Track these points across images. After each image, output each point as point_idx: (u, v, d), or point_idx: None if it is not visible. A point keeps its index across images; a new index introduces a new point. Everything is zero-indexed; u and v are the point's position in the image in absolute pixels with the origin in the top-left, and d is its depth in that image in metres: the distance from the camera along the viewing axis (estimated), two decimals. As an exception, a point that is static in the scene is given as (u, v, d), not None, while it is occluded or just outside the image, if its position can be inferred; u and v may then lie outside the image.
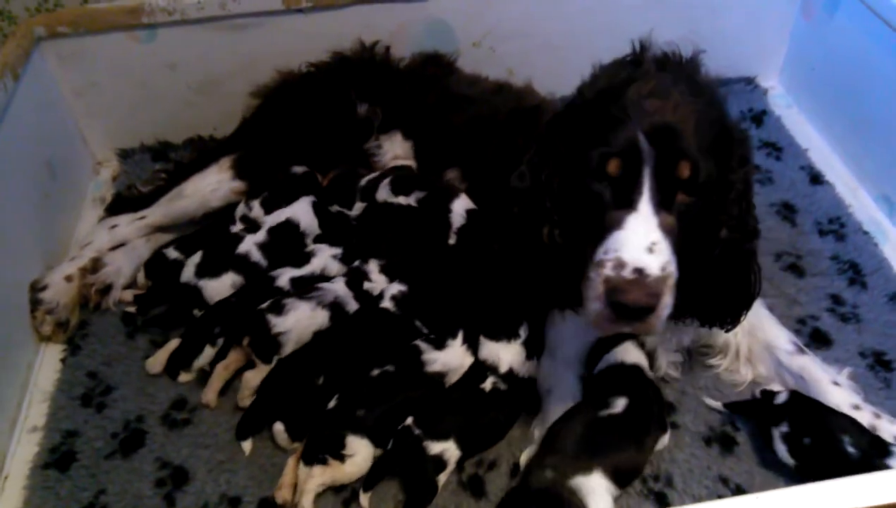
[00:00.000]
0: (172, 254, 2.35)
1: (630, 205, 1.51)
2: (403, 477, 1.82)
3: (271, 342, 2.00)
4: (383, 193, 2.37)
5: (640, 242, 1.48)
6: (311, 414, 1.88)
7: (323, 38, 2.65)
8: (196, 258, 2.25)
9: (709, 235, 1.67)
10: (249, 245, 2.27)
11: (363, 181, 2.44)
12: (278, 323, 2.00)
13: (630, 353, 1.91)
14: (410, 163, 2.55)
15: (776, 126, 2.97)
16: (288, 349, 2.01)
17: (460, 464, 1.85)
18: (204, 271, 2.21)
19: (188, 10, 2.66)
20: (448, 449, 1.78)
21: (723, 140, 1.62)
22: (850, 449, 1.69)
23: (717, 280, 1.72)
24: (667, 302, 1.49)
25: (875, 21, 2.54)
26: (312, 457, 1.79)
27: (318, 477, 1.75)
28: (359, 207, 2.42)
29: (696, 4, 2.90)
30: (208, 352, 2.07)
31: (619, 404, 1.78)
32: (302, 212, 2.36)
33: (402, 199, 2.34)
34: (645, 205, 1.51)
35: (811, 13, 2.94)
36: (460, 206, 2.24)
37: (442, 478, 1.79)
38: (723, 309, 1.81)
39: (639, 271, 1.45)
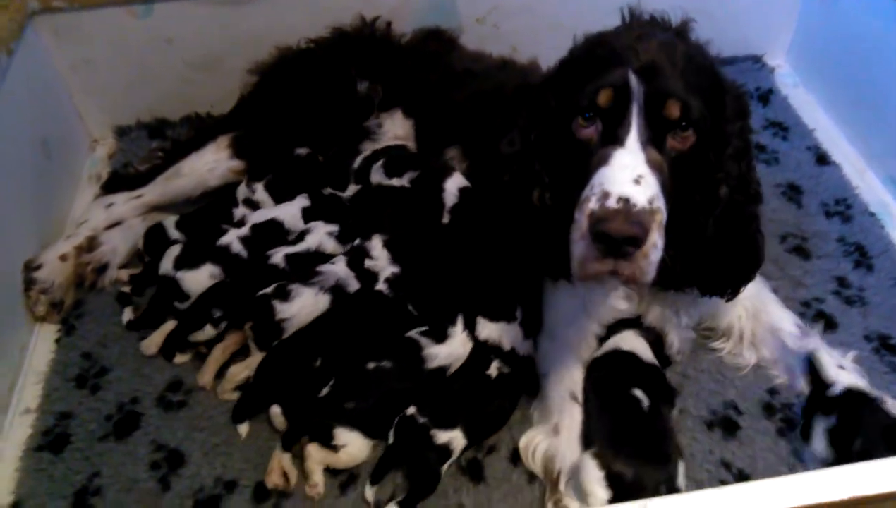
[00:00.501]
0: (174, 233, 2.31)
1: (617, 140, 1.49)
2: (407, 466, 1.79)
3: (274, 328, 1.98)
4: (377, 176, 2.34)
5: (627, 174, 1.43)
6: (308, 398, 1.85)
7: (322, 14, 2.61)
8: (175, 250, 2.19)
9: (708, 193, 1.64)
10: (232, 238, 2.22)
11: (356, 162, 2.41)
12: (283, 310, 1.98)
13: (626, 341, 1.89)
14: (409, 142, 2.52)
15: (783, 105, 2.93)
16: (287, 334, 1.99)
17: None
18: (182, 262, 2.15)
19: (185, -15, 2.62)
20: (455, 438, 1.77)
21: (715, 90, 1.61)
22: None
23: (719, 243, 1.69)
24: (655, 241, 1.41)
25: (884, 0, 2.49)
26: (291, 443, 1.79)
27: (315, 454, 1.75)
28: (352, 189, 2.39)
29: (703, -18, 2.85)
30: (209, 331, 2.04)
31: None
32: (290, 213, 2.31)
33: (395, 181, 2.31)
34: (632, 140, 1.48)
35: (820, -8, 2.90)
36: (453, 185, 2.21)
37: (445, 467, 1.77)
38: (725, 275, 1.77)
39: (624, 200, 1.39)
